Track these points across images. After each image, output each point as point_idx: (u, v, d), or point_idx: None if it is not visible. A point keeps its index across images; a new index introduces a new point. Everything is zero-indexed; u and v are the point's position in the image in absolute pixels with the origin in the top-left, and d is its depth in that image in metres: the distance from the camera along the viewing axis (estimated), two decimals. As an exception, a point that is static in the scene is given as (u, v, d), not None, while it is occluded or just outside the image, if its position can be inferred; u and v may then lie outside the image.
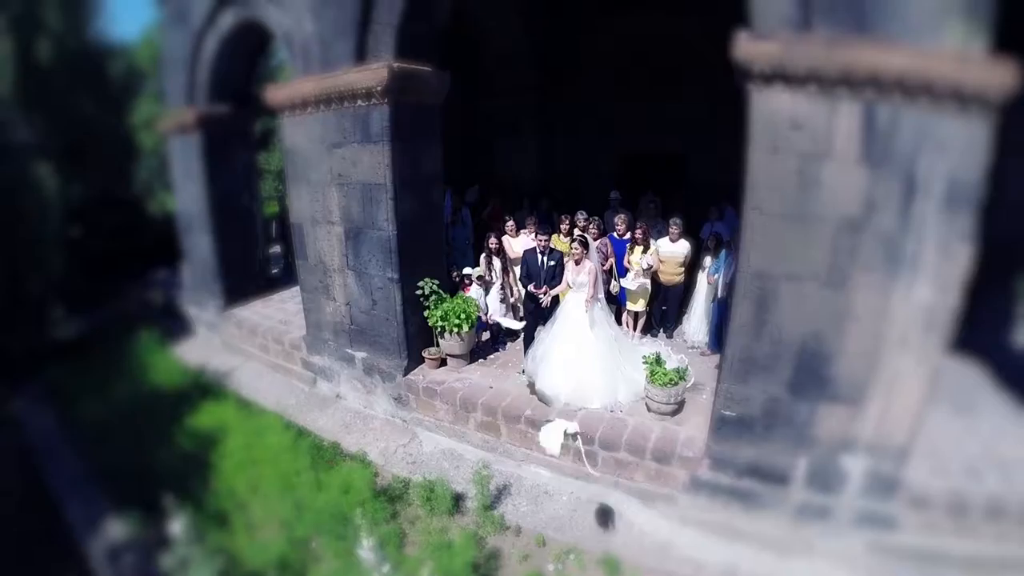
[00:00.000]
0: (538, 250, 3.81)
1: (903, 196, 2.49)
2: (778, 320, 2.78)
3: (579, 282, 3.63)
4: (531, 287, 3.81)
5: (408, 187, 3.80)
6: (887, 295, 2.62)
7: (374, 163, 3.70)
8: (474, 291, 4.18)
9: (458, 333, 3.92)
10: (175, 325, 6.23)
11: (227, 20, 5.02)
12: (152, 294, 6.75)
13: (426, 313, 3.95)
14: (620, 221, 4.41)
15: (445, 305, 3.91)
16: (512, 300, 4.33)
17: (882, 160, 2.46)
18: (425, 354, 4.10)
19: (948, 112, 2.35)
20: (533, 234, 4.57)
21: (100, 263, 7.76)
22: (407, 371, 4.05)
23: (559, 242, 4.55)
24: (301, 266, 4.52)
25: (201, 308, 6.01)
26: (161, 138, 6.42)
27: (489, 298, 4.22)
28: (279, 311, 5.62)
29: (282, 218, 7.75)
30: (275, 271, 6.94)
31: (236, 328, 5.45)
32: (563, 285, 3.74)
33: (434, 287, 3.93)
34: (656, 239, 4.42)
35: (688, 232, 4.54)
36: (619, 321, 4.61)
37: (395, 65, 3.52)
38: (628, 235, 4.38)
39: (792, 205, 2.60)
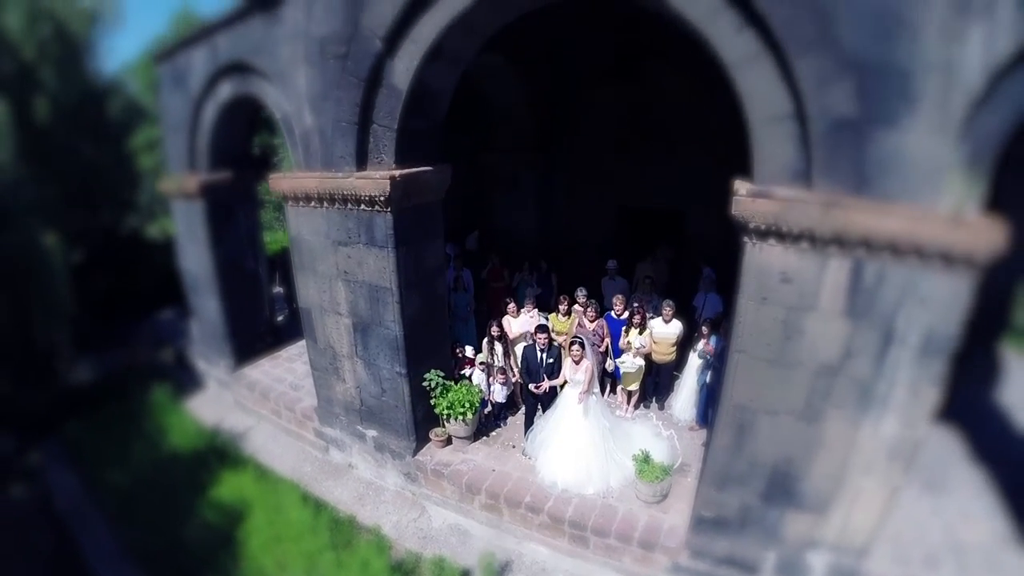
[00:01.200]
0: (538, 347, 4.13)
1: (880, 345, 2.75)
2: (755, 445, 3.14)
3: (576, 379, 3.98)
4: (531, 386, 4.18)
5: (413, 287, 4.08)
6: (856, 428, 2.96)
7: (380, 267, 3.97)
8: (476, 376, 4.54)
9: (463, 419, 4.32)
10: (186, 378, 6.62)
11: (226, 91, 5.12)
12: (163, 352, 7.08)
13: (432, 401, 4.32)
14: (618, 301, 4.71)
15: (451, 395, 4.27)
16: (513, 380, 4.70)
17: (864, 313, 2.70)
18: (432, 435, 4.50)
19: (934, 270, 2.52)
20: (533, 310, 4.91)
21: (105, 303, 8.07)
22: (416, 451, 4.46)
23: (557, 321, 4.87)
24: (311, 346, 4.85)
25: (211, 364, 6.37)
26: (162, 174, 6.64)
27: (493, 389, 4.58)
28: (288, 372, 5.98)
29: (283, 260, 7.98)
30: (280, 319, 7.25)
31: (248, 390, 5.84)
32: (560, 379, 4.10)
33: (439, 379, 4.29)
34: (650, 315, 4.74)
35: (682, 300, 4.88)
36: (613, 391, 5.02)
37: (397, 176, 3.72)
38: (625, 314, 4.70)
39: (775, 351, 2.90)
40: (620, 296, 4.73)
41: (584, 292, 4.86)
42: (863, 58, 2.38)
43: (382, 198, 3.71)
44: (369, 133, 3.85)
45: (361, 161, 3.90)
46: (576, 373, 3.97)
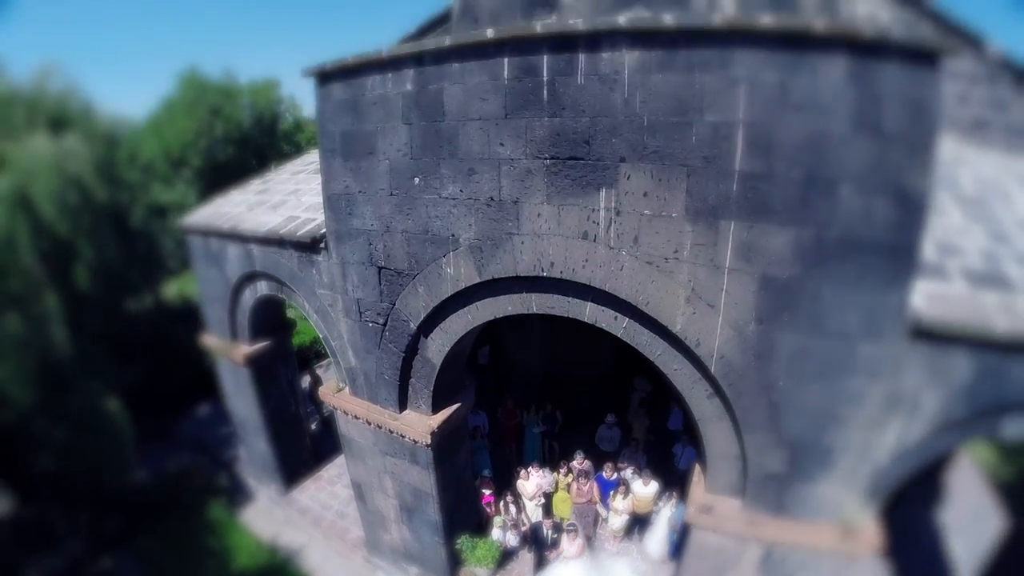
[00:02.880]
0: (545, 526, 5.34)
1: (782, 586, 4.00)
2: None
3: (570, 552, 5.25)
4: (536, 556, 5.44)
5: (450, 488, 5.13)
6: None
7: (422, 479, 4.98)
8: (496, 533, 5.75)
9: (486, 567, 5.60)
10: (235, 489, 7.69)
11: (264, 288, 5.74)
12: (219, 476, 8.01)
13: (463, 556, 5.56)
14: (608, 468, 5.90)
15: (478, 552, 5.50)
16: (524, 530, 5.94)
17: (771, 572, 3.87)
18: (461, 574, 5.80)
19: (824, 555, 3.59)
20: (540, 471, 6.05)
21: (142, 398, 8.85)
22: (450, 588, 5.79)
23: (560, 479, 6.04)
24: (360, 505, 5.93)
25: (260, 483, 7.44)
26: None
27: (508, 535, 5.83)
28: (332, 497, 7.11)
29: (311, 355, 8.64)
30: (313, 426, 8.21)
31: (299, 514, 6.97)
32: (561, 550, 5.35)
33: (468, 542, 5.49)
34: (634, 473, 5.94)
35: (663, 448, 6.06)
36: (605, 520, 6.33)
37: (436, 427, 4.62)
38: (614, 476, 5.90)
39: (712, 582, 4.13)
40: (610, 464, 5.93)
41: (581, 455, 5.99)
42: (797, 438, 3.29)
43: (424, 443, 4.64)
44: (408, 386, 4.70)
45: (403, 405, 4.78)
46: (571, 547, 5.23)
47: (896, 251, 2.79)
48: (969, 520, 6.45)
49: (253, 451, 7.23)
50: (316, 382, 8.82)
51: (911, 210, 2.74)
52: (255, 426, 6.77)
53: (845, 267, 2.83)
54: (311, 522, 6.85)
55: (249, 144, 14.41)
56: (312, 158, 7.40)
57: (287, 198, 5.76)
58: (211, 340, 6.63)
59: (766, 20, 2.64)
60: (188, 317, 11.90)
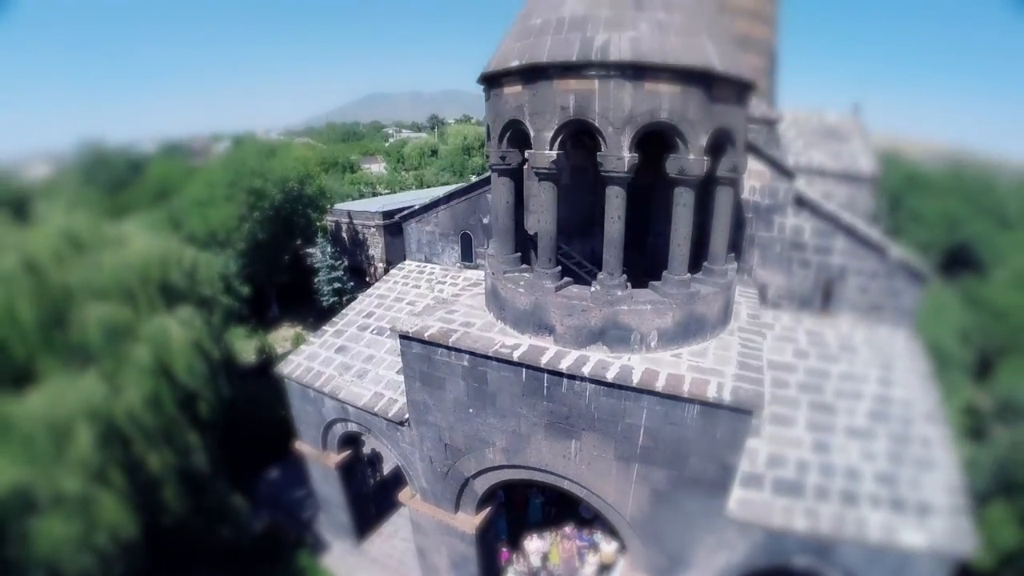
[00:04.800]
0: (543, 574, 8.80)
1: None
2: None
3: (562, 591, 8.79)
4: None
5: (484, 554, 8.50)
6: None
7: (467, 550, 8.33)
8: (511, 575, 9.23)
9: (505, 599, 9.14)
10: (316, 543, 10.96)
11: (353, 427, 8.76)
12: (305, 535, 11.20)
13: (490, 593, 9.06)
14: (587, 531, 9.35)
15: (500, 591, 9.02)
16: None
17: None
18: (488, 602, 9.35)
19: None
20: (543, 535, 9.50)
21: (224, 465, 11.90)
22: (481, 611, 9.32)
23: (553, 539, 9.50)
24: (420, 560, 9.31)
25: (335, 537, 10.78)
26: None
27: (518, 578, 9.35)
28: (392, 548, 10.49)
29: None
30: (372, 483, 11.45)
31: (370, 563, 10.38)
32: (555, 589, 8.88)
33: (495, 585, 8.97)
34: (601, 534, 9.43)
35: None
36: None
37: (477, 524, 7.91)
38: (591, 536, 9.39)
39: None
40: (588, 529, 9.39)
41: (572, 525, 9.43)
42: (671, 552, 6.65)
43: (470, 533, 7.93)
44: (460, 500, 7.94)
45: (456, 509, 8.06)
46: (562, 590, 8.76)
47: (718, 486, 5.99)
48: None
49: (332, 517, 10.54)
50: (377, 457, 12.01)
51: (727, 470, 5.93)
52: (337, 503, 10.04)
53: (692, 489, 6.07)
54: (379, 568, 10.28)
55: (280, 214, 16.47)
56: (367, 308, 10.28)
57: (366, 367, 8.73)
58: (305, 448, 9.72)
59: (660, 384, 5.66)
60: (247, 377, 14.78)
